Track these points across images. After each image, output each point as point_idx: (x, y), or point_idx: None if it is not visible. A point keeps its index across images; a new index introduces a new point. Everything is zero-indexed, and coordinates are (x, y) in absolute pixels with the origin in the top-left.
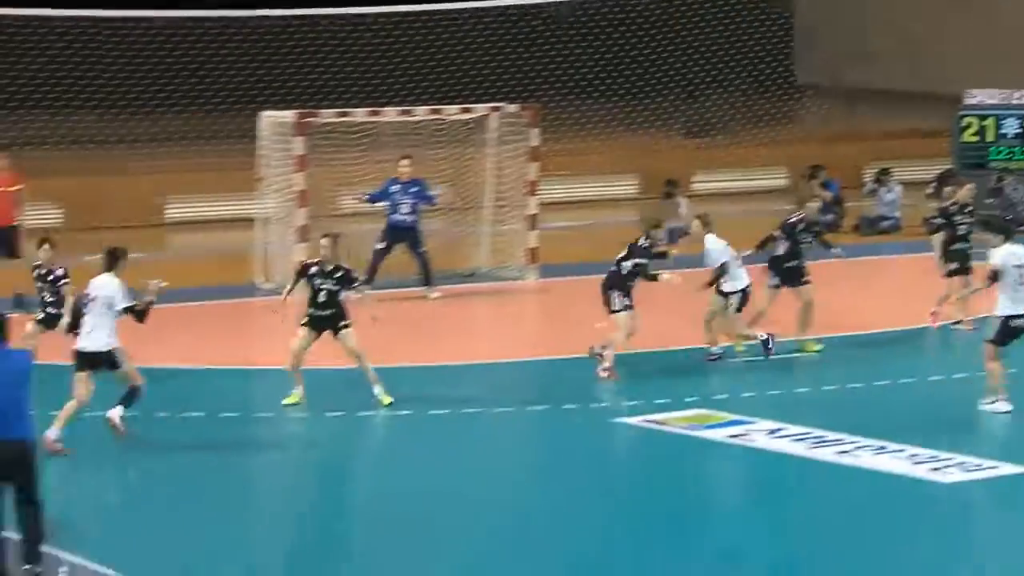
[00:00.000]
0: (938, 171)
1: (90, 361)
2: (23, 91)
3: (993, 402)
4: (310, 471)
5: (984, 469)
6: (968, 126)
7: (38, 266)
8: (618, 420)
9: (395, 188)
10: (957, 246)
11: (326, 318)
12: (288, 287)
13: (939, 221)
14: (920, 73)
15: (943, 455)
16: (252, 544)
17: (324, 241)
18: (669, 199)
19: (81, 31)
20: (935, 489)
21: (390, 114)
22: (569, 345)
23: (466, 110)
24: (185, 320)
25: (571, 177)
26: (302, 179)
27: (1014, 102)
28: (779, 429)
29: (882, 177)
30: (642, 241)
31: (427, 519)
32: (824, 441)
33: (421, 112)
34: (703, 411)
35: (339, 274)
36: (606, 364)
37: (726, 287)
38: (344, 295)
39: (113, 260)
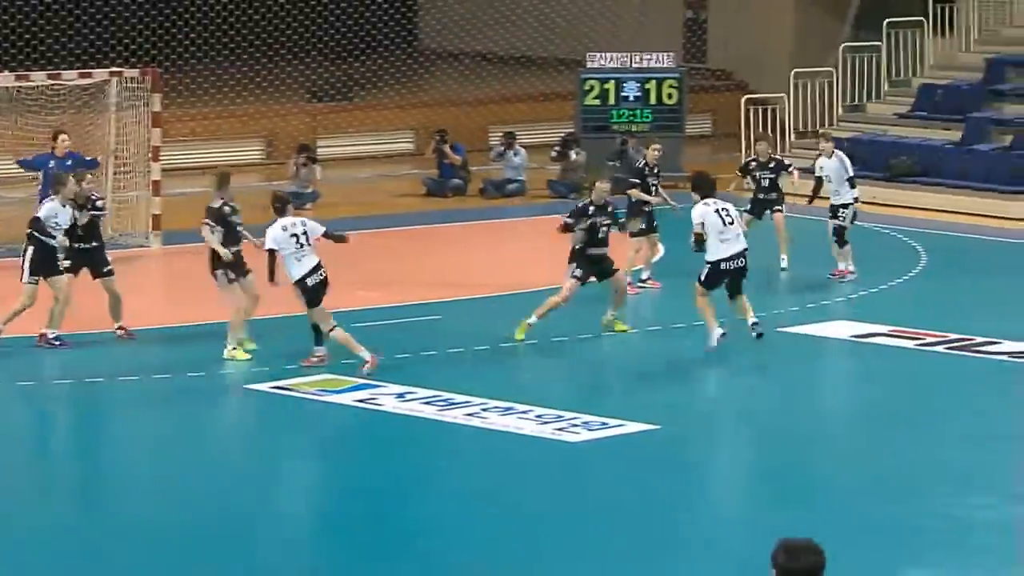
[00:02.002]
0: (562, 135)
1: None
2: None
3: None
4: None
5: (610, 428)
6: (590, 89)
7: None
8: (248, 387)
9: (52, 164)
10: (645, 207)
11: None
12: None
13: (635, 181)
14: (545, 37)
15: (568, 415)
16: None
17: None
18: (306, 166)
19: None
20: (562, 448)
21: (5, 79)
22: (197, 313)
23: (85, 75)
24: None
25: (195, 143)
26: None
27: (634, 66)
28: (407, 392)
29: (508, 141)
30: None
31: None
32: (452, 403)
33: (37, 78)
34: (330, 376)
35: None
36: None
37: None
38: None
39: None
